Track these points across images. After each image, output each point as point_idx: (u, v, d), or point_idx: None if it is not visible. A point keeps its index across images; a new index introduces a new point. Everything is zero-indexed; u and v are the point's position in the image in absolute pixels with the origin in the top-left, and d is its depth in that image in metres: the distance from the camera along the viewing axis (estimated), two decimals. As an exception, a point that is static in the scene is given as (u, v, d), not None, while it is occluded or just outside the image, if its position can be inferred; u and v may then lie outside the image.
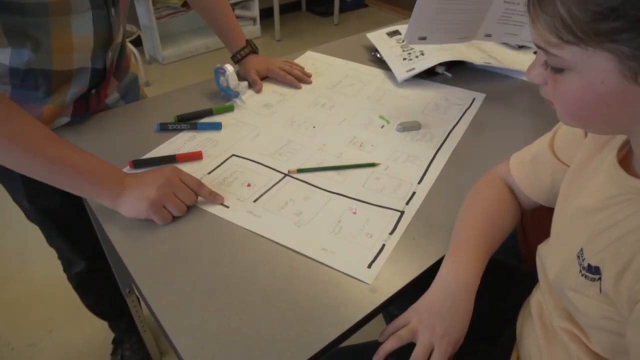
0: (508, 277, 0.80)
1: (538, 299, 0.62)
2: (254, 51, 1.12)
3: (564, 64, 0.41)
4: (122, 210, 0.70)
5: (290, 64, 1.12)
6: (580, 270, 0.47)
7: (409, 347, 0.59)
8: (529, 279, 0.74)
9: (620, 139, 0.51)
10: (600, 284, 0.45)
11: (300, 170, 0.81)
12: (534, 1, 0.40)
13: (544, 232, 0.84)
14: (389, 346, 0.59)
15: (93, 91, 0.91)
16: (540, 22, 0.40)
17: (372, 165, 0.83)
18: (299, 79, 1.09)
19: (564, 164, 0.62)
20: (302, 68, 1.13)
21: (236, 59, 1.11)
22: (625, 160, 0.49)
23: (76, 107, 0.89)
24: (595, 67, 0.39)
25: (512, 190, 0.71)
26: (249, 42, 1.12)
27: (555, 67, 0.42)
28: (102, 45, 0.83)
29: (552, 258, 0.55)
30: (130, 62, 1.02)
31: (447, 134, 0.93)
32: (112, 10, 0.80)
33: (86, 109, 0.92)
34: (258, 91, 1.06)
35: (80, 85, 0.86)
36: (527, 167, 0.68)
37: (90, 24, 0.78)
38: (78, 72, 0.84)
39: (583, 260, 0.47)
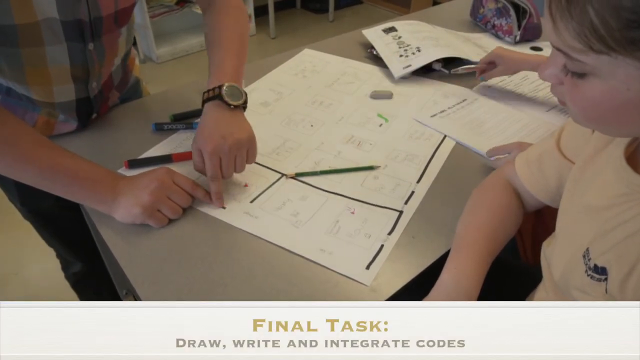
0: (507, 274, 0.79)
1: (541, 297, 0.61)
2: (219, 97, 0.72)
3: (587, 69, 0.39)
4: (116, 216, 0.69)
5: (218, 178, 0.72)
6: (586, 270, 0.47)
7: None
8: (527, 277, 0.74)
9: None
10: (606, 284, 0.44)
11: (298, 175, 0.80)
12: (559, 5, 0.37)
13: (542, 229, 0.84)
14: None
15: (94, 115, 0.90)
16: (566, 29, 0.38)
17: (371, 168, 0.82)
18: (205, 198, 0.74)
19: (570, 161, 0.61)
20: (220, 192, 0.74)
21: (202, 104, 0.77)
22: (632, 157, 0.48)
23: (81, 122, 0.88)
24: (621, 74, 0.37)
25: (517, 192, 0.69)
26: (221, 87, 0.73)
27: (576, 72, 0.40)
28: (81, 77, 0.79)
29: (557, 257, 0.55)
30: (133, 65, 1.00)
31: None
32: (91, 44, 0.76)
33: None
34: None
35: (69, 115, 0.84)
36: (533, 166, 0.66)
37: (65, 56, 0.74)
38: (62, 105, 0.81)
39: (589, 260, 0.47)
